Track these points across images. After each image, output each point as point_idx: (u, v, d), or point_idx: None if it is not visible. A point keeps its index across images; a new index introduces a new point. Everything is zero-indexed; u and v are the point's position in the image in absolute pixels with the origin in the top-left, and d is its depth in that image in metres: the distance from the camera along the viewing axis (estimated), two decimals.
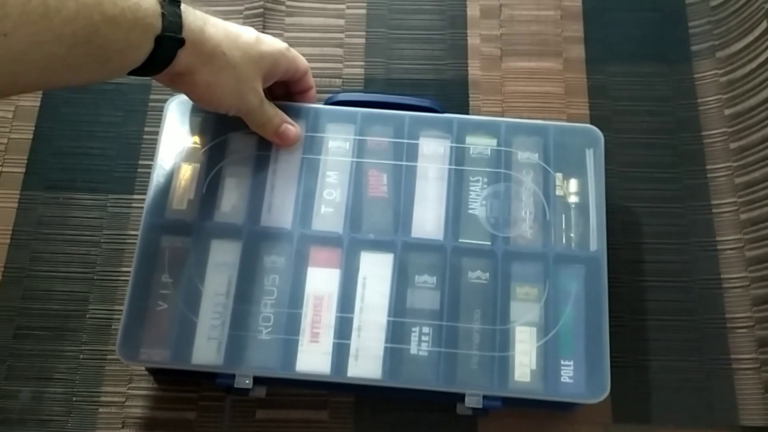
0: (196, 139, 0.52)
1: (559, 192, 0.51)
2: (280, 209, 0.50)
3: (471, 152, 0.52)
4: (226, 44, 0.45)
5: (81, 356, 0.53)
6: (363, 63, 0.61)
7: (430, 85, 0.60)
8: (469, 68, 0.61)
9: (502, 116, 0.59)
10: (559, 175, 0.51)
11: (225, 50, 0.45)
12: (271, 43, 0.49)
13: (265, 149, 0.52)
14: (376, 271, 0.49)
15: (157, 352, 0.47)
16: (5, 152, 0.58)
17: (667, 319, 0.54)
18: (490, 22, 0.63)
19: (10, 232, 0.56)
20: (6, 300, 0.54)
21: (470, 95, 0.60)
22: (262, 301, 0.48)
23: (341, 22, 0.63)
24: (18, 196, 0.57)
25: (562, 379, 0.46)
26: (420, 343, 0.47)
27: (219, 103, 0.48)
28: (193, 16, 0.43)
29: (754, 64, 0.58)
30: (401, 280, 0.49)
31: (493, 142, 0.52)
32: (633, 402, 0.51)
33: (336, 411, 0.51)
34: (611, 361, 0.47)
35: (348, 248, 0.49)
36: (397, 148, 0.52)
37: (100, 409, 0.51)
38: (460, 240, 0.50)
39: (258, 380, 0.47)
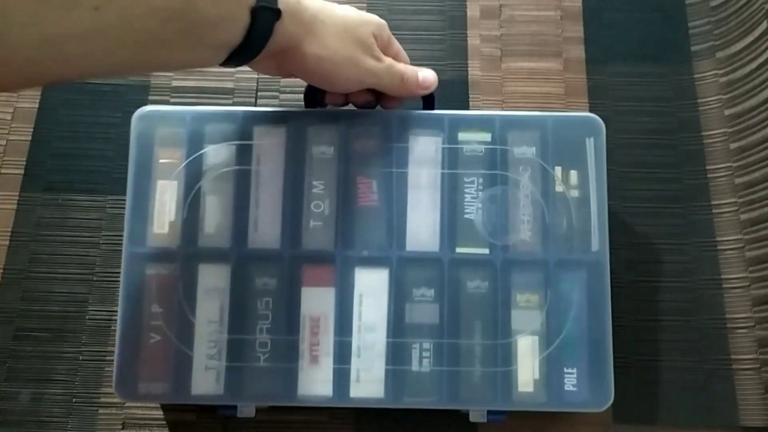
0: (171, 153, 0.49)
1: (558, 188, 0.49)
2: (267, 227, 0.48)
3: (464, 150, 0.49)
4: (326, 13, 0.44)
5: (80, 357, 0.53)
6: None
7: None
8: (469, 69, 0.61)
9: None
10: (558, 169, 0.49)
11: (325, 18, 0.43)
12: (367, 13, 0.48)
13: (245, 161, 0.49)
14: (371, 287, 0.47)
15: (156, 386, 0.46)
16: (4, 154, 0.58)
17: (667, 319, 0.54)
18: (490, 22, 0.63)
19: (9, 234, 0.56)
20: (5, 302, 0.54)
21: (470, 96, 0.60)
22: (257, 327, 0.47)
23: None
24: (17, 198, 0.57)
25: (565, 387, 0.46)
26: (421, 361, 0.46)
27: (337, 76, 0.45)
28: None
29: (754, 65, 0.58)
30: (398, 295, 0.47)
31: (488, 137, 0.49)
32: (633, 402, 0.51)
33: (336, 413, 0.51)
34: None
35: (341, 266, 0.48)
36: (386, 151, 0.49)
37: (100, 411, 0.51)
38: (457, 250, 0.48)
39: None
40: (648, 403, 0.52)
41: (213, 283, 0.47)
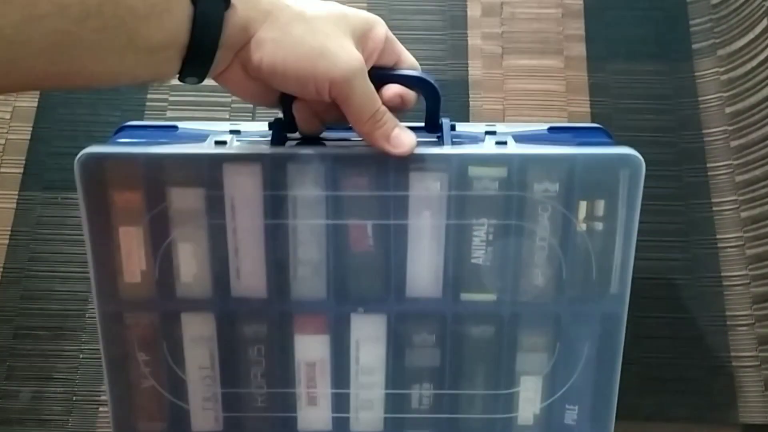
0: (129, 197, 0.41)
1: (581, 226, 0.42)
2: (251, 276, 0.42)
3: (474, 188, 0.41)
4: (292, 1, 0.37)
5: (81, 356, 0.53)
6: None
7: None
8: (469, 68, 0.61)
9: (503, 118, 0.59)
10: (582, 204, 0.41)
11: (291, 4, 0.36)
12: (359, 10, 0.39)
13: (217, 207, 0.41)
14: (368, 334, 0.44)
15: (155, 425, 0.44)
16: (3, 153, 0.58)
17: (668, 316, 0.54)
18: (491, 20, 0.62)
19: (9, 233, 0.56)
20: (5, 300, 0.54)
21: (471, 95, 0.60)
22: (251, 373, 0.44)
23: None
24: (16, 197, 0.57)
25: (565, 421, 0.45)
26: (420, 407, 0.45)
27: (299, 68, 0.36)
28: None
29: (754, 62, 0.58)
30: (397, 343, 0.44)
31: (503, 171, 0.40)
32: (633, 399, 0.52)
33: None
34: None
35: (335, 315, 0.43)
36: (382, 197, 0.41)
37: (101, 408, 0.52)
38: (461, 297, 0.43)
39: None
40: (648, 399, 0.52)
41: (199, 332, 0.43)
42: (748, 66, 0.59)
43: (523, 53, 0.61)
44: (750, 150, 0.57)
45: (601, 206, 0.41)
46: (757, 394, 0.52)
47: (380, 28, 0.39)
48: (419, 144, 0.40)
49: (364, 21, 0.38)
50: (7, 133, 0.58)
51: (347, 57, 0.36)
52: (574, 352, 0.44)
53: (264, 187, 0.41)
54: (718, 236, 0.56)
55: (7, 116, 0.59)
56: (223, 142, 0.41)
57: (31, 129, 0.58)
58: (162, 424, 0.45)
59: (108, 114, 0.59)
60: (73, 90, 0.58)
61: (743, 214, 0.56)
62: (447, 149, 0.41)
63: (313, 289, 0.43)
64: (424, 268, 0.42)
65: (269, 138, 0.41)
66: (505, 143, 0.41)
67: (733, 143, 0.58)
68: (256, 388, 0.44)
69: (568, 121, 0.59)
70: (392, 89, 0.39)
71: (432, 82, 0.41)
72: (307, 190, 0.41)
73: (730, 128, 0.58)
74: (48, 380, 0.52)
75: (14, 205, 0.56)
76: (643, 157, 0.58)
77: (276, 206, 0.41)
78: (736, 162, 0.57)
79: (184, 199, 0.41)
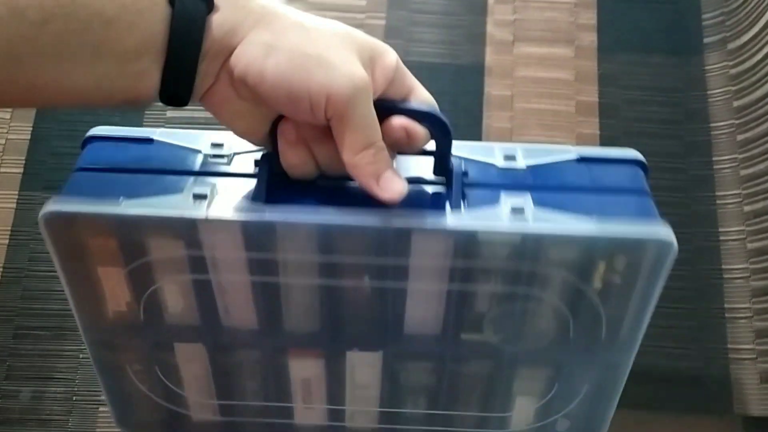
0: (104, 243, 0.36)
1: (592, 293, 0.37)
2: (239, 311, 0.39)
3: (483, 252, 0.36)
4: (289, 9, 0.32)
5: (80, 355, 0.53)
6: None
7: (445, 69, 0.60)
8: (486, 55, 0.61)
9: (512, 105, 0.59)
10: (599, 271, 0.36)
11: (287, 12, 0.31)
12: (371, 37, 0.34)
13: (198, 261, 0.36)
14: (364, 362, 0.42)
15: (154, 416, 0.44)
16: (3, 153, 0.58)
17: (667, 306, 0.54)
18: (504, 7, 0.63)
19: (9, 233, 0.56)
20: (5, 300, 0.54)
21: (485, 82, 0.60)
22: (248, 391, 0.43)
23: (363, 3, 0.63)
24: (16, 197, 0.57)
25: (557, 429, 0.44)
26: (414, 416, 0.44)
27: (292, 77, 0.30)
28: None
29: (760, 55, 0.58)
30: (393, 372, 0.42)
31: (517, 238, 0.35)
32: (630, 388, 0.52)
33: None
34: None
35: (330, 350, 0.41)
36: (380, 265, 0.37)
37: (101, 408, 0.51)
38: (462, 337, 0.40)
39: None
40: (645, 389, 0.52)
41: (191, 356, 0.42)
42: (755, 59, 0.59)
43: (534, 41, 0.61)
44: (755, 144, 0.57)
45: (618, 277, 0.37)
46: (753, 386, 0.52)
47: (391, 56, 0.34)
48: (424, 198, 0.36)
49: (373, 45, 0.33)
50: (7, 133, 0.59)
51: (351, 72, 0.30)
52: (572, 389, 0.42)
53: (247, 249, 0.36)
54: (720, 229, 0.56)
55: (7, 116, 0.59)
56: (203, 196, 0.34)
57: (31, 129, 0.59)
58: (160, 415, 0.45)
59: (107, 113, 0.58)
60: (42, 109, 0.56)
61: (746, 208, 0.56)
62: (454, 219, 0.34)
63: (307, 324, 0.40)
64: (422, 313, 0.39)
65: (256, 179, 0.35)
66: (522, 211, 0.34)
67: (740, 137, 0.58)
68: (252, 401, 0.44)
69: (575, 111, 0.59)
70: (398, 120, 0.33)
71: (444, 119, 0.35)
72: (296, 255, 0.36)
73: (737, 122, 0.58)
74: (48, 380, 0.52)
75: (14, 205, 0.56)
76: (649, 148, 0.58)
77: (262, 267, 0.37)
78: (741, 156, 0.57)
79: (164, 251, 0.36)
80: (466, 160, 0.37)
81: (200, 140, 0.38)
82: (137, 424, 0.45)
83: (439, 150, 0.36)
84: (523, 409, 0.44)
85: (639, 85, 0.60)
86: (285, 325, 0.40)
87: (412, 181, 0.35)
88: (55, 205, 0.34)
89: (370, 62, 0.32)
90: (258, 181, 0.35)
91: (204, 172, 0.36)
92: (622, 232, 0.34)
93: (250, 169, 0.36)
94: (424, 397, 0.44)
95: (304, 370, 0.43)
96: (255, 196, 0.35)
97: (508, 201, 0.35)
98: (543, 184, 0.36)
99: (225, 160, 0.37)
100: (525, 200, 0.35)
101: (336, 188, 0.35)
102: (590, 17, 0.62)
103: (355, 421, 0.45)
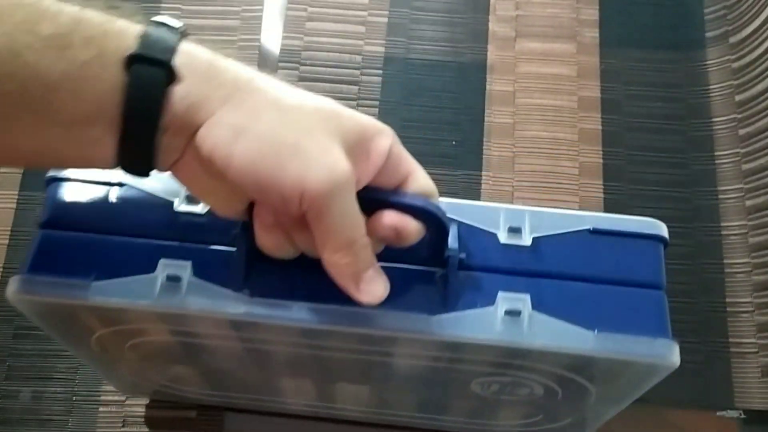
0: (84, 316, 0.34)
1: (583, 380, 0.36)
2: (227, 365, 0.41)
3: (468, 353, 0.34)
4: (267, 83, 0.28)
5: None
6: (384, 42, 0.62)
7: (447, 66, 0.60)
8: (488, 51, 0.61)
9: (514, 101, 0.59)
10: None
11: (261, 86, 0.28)
12: (361, 115, 0.29)
13: (173, 325, 0.35)
14: (351, 391, 0.43)
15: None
16: None
17: (669, 301, 0.54)
18: (506, 3, 0.63)
19: (9, 233, 0.55)
20: (5, 300, 0.53)
21: (487, 79, 0.60)
22: (237, 384, 0.44)
23: (365, 0, 0.63)
24: (16, 197, 0.56)
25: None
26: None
27: (262, 166, 0.26)
28: (200, 47, 0.27)
29: (761, 49, 0.58)
30: (381, 398, 0.43)
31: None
32: None
33: None
34: None
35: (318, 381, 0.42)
36: (364, 360, 0.36)
37: (101, 408, 0.51)
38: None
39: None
40: None
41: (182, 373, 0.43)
42: (756, 53, 0.59)
43: (536, 36, 0.62)
44: (756, 138, 0.57)
45: (612, 376, 0.35)
46: (754, 380, 0.53)
47: (383, 141, 0.29)
48: (413, 292, 0.32)
49: (362, 127, 0.29)
50: None
51: (330, 163, 0.27)
52: (558, 416, 0.42)
53: (228, 329, 0.34)
54: (722, 224, 0.56)
55: None
56: (177, 278, 0.32)
57: None
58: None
59: None
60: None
61: (748, 203, 0.56)
62: (441, 327, 0.31)
63: (293, 372, 0.40)
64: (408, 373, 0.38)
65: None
66: (518, 315, 0.31)
67: (742, 131, 0.58)
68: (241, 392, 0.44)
69: (577, 106, 0.59)
70: (387, 219, 0.30)
71: (439, 215, 0.31)
72: (278, 337, 0.34)
73: (739, 116, 0.58)
74: (48, 380, 0.51)
75: (14, 205, 0.56)
76: (652, 144, 0.59)
77: (245, 341, 0.35)
78: (743, 150, 0.58)
79: (142, 325, 0.35)
80: (466, 227, 0.33)
81: (174, 184, 0.33)
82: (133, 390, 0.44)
83: (433, 243, 0.32)
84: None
85: (641, 80, 0.60)
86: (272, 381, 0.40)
87: (403, 261, 0.32)
88: (21, 288, 0.33)
89: (357, 147, 0.28)
90: (235, 263, 0.32)
91: (177, 238, 0.33)
92: (623, 352, 0.32)
93: (226, 235, 0.32)
94: (414, 403, 0.43)
95: (291, 384, 0.43)
96: (232, 281, 0.32)
97: (504, 302, 0.32)
98: (547, 268, 0.33)
99: (200, 218, 0.34)
100: (523, 302, 0.32)
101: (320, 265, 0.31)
102: (592, 13, 0.62)
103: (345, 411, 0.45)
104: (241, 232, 0.31)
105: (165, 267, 0.32)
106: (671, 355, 0.32)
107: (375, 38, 0.62)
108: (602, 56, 0.61)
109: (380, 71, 0.61)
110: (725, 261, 0.55)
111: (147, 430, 0.51)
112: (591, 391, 0.36)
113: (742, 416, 0.51)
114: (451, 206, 0.33)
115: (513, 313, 0.31)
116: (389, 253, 0.31)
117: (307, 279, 0.31)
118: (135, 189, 0.34)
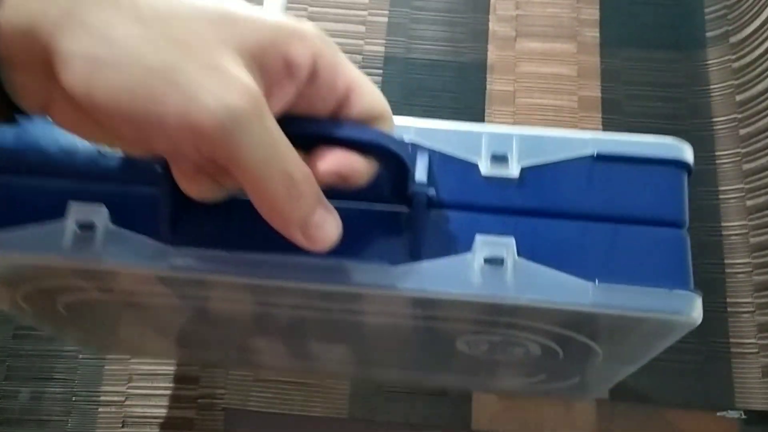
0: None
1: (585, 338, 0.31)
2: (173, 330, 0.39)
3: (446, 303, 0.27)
4: None
5: (80, 356, 0.52)
6: (384, 41, 0.62)
7: (448, 66, 0.60)
8: (488, 51, 0.61)
9: (514, 101, 0.59)
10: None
11: None
12: (271, 14, 0.22)
13: (91, 281, 0.30)
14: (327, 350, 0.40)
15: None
16: None
17: None
18: (506, 3, 0.63)
19: None
20: None
21: (488, 78, 0.60)
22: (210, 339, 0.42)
23: (365, 0, 0.63)
24: None
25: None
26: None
27: (131, 106, 0.20)
28: None
29: (762, 48, 0.58)
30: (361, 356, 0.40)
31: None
32: (630, 381, 0.52)
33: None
34: None
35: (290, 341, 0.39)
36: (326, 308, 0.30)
37: (100, 409, 0.51)
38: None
39: None
40: (645, 382, 0.52)
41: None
42: (756, 53, 0.59)
43: (536, 36, 0.61)
44: (757, 138, 0.57)
45: (619, 335, 0.29)
46: (754, 380, 0.52)
47: (304, 46, 0.22)
48: (373, 237, 0.26)
49: (270, 32, 0.21)
50: None
51: (222, 86, 0.20)
52: (564, 375, 0.39)
53: (162, 286, 0.29)
54: (723, 223, 0.56)
55: None
56: (90, 226, 0.26)
57: None
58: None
59: None
60: None
61: (749, 203, 0.56)
62: (407, 280, 0.25)
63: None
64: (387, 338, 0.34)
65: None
66: (501, 263, 0.25)
67: (742, 131, 0.58)
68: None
69: (578, 106, 0.59)
70: (326, 165, 0.23)
71: (393, 149, 0.24)
72: (225, 300, 0.29)
73: (740, 116, 0.58)
74: (47, 380, 0.52)
75: None
76: None
77: (184, 299, 0.30)
78: (743, 150, 0.57)
79: (64, 282, 0.30)
80: (440, 156, 0.27)
81: None
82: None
83: (394, 182, 0.26)
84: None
85: (641, 80, 0.60)
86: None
87: (358, 198, 0.26)
88: None
89: (265, 59, 0.21)
90: (159, 208, 0.26)
91: (91, 176, 0.27)
92: (630, 308, 0.25)
93: (150, 173, 0.26)
94: (401, 361, 0.39)
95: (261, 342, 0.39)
96: (156, 229, 0.26)
97: (483, 247, 0.26)
98: (537, 205, 0.27)
99: (117, 152, 0.28)
100: (506, 247, 0.26)
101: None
102: (592, 12, 0.62)
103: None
104: (163, 172, 0.24)
105: (76, 212, 0.26)
106: (691, 309, 0.25)
107: (375, 38, 0.62)
108: (602, 56, 0.61)
109: (380, 71, 0.61)
110: (726, 261, 0.55)
111: (147, 430, 0.51)
112: (597, 350, 0.31)
113: (743, 417, 0.51)
114: (421, 131, 0.27)
115: (494, 262, 0.26)
116: (341, 189, 0.24)
117: (245, 224, 0.25)
118: (40, 122, 0.28)
